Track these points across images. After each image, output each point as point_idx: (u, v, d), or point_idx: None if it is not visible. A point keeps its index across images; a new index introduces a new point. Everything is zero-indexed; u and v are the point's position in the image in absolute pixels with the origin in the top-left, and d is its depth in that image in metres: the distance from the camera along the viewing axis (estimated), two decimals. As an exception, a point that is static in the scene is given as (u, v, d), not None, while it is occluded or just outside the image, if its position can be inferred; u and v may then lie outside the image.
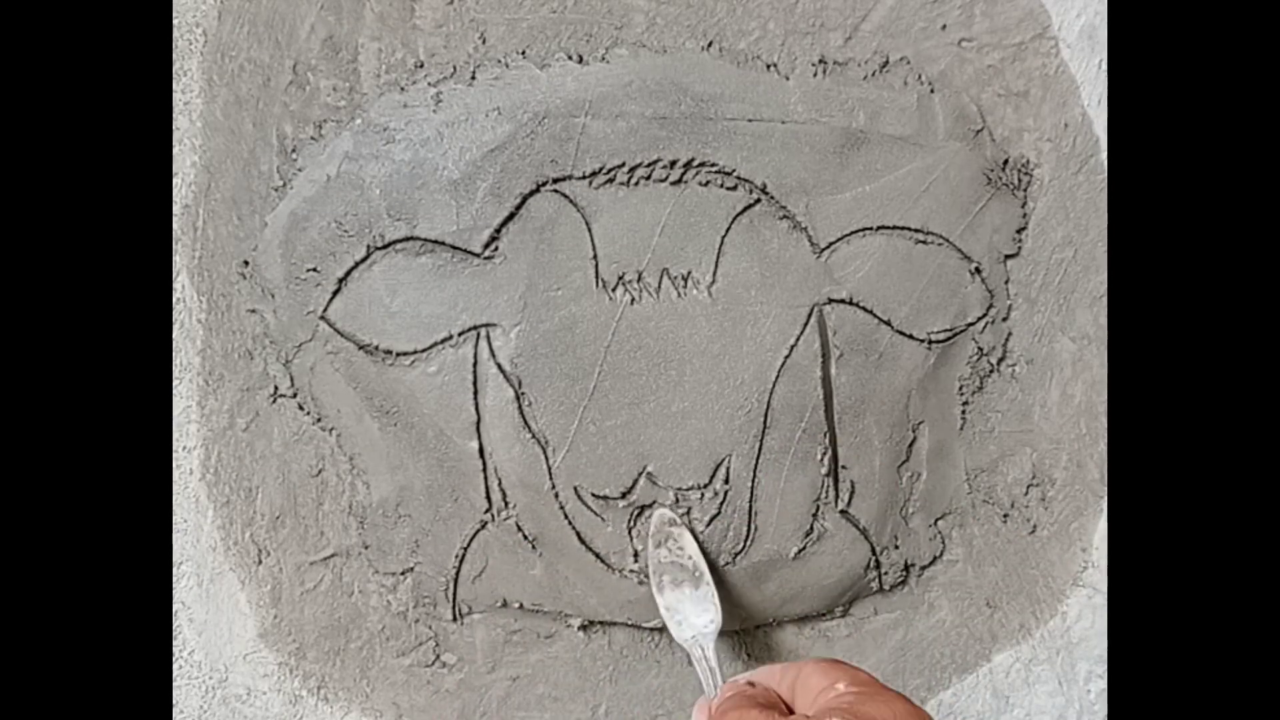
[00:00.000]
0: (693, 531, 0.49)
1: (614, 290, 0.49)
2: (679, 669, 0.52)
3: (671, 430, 0.49)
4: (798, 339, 0.49)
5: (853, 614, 0.53)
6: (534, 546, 0.50)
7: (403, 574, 0.51)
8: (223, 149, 0.49)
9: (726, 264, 0.49)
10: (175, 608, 0.50)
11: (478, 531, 0.50)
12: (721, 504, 0.49)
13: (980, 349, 0.52)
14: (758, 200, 0.49)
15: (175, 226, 0.49)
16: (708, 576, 0.47)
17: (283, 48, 0.49)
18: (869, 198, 0.49)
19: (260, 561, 0.51)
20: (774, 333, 0.49)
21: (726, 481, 0.49)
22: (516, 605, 0.51)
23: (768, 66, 0.49)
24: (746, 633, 0.53)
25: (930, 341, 0.51)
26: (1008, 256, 0.51)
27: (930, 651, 0.53)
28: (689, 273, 0.49)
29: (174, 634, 0.50)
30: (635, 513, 0.50)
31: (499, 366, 0.48)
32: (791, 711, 0.37)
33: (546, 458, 0.49)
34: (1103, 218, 0.52)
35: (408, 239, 0.48)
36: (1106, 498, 0.53)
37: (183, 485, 0.50)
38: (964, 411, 0.52)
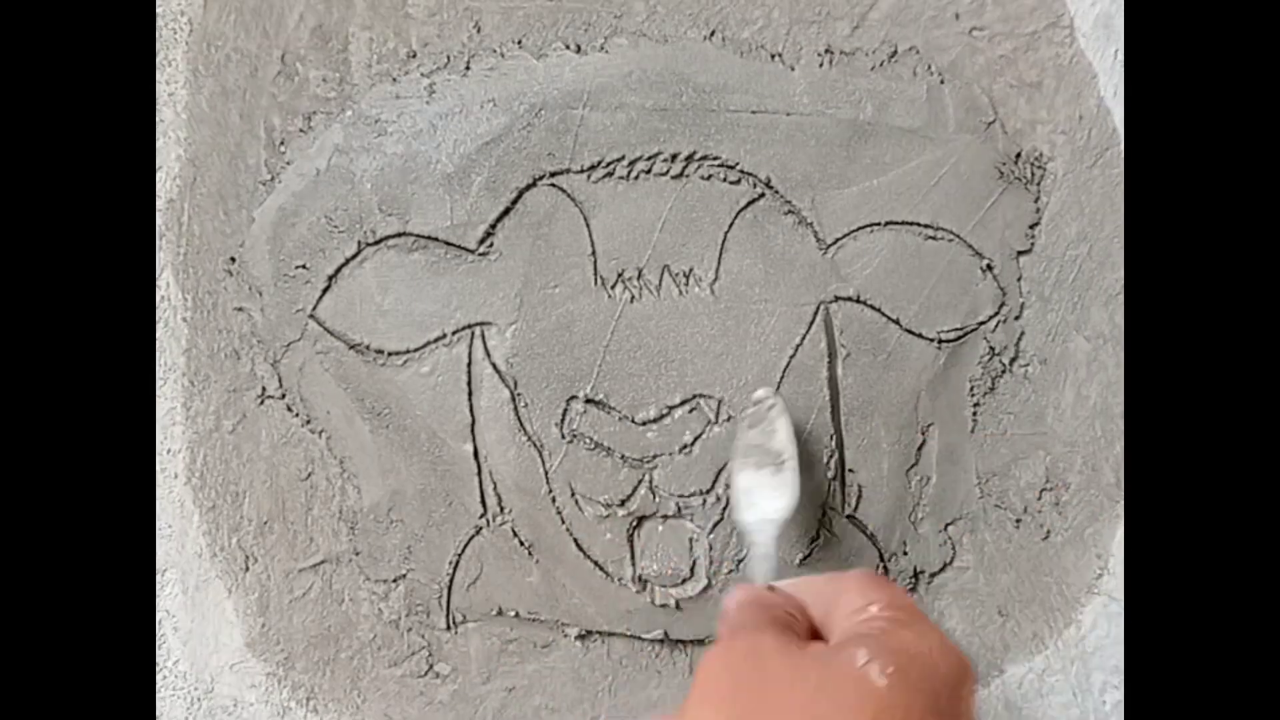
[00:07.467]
0: (789, 416, 0.47)
1: (613, 288, 0.48)
2: (679, 680, 0.51)
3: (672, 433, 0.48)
4: (803, 338, 0.48)
5: (859, 622, 0.52)
6: (530, 553, 0.49)
7: (395, 581, 0.50)
8: (208, 142, 0.48)
9: (729, 261, 0.48)
10: (159, 616, 0.49)
11: (472, 537, 0.49)
12: (724, 510, 0.48)
13: (992, 348, 0.51)
14: (762, 195, 0.48)
15: (159, 222, 0.48)
16: (793, 463, 0.45)
17: (271, 37, 0.48)
18: (877, 192, 0.48)
19: (247, 568, 0.50)
20: (779, 332, 0.48)
21: (729, 487, 0.48)
22: (512, 614, 0.50)
23: (772, 56, 0.48)
24: (750, 642, 0.52)
25: (940, 341, 0.50)
26: (1020, 253, 0.50)
27: (940, 661, 0.53)
28: (691, 270, 0.48)
29: (158, 643, 0.49)
30: (635, 522, 0.48)
31: (494, 366, 0.47)
32: (816, 633, 0.33)
33: (543, 461, 0.48)
34: (1119, 213, 0.50)
35: (400, 235, 0.47)
36: (1123, 502, 0.52)
37: (167, 490, 0.49)
38: (975, 413, 0.51)
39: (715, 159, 0.47)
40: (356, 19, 0.48)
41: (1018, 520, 0.52)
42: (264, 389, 0.49)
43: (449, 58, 0.48)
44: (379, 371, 0.48)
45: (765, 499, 0.45)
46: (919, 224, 0.49)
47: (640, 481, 0.48)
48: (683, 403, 0.48)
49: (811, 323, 0.48)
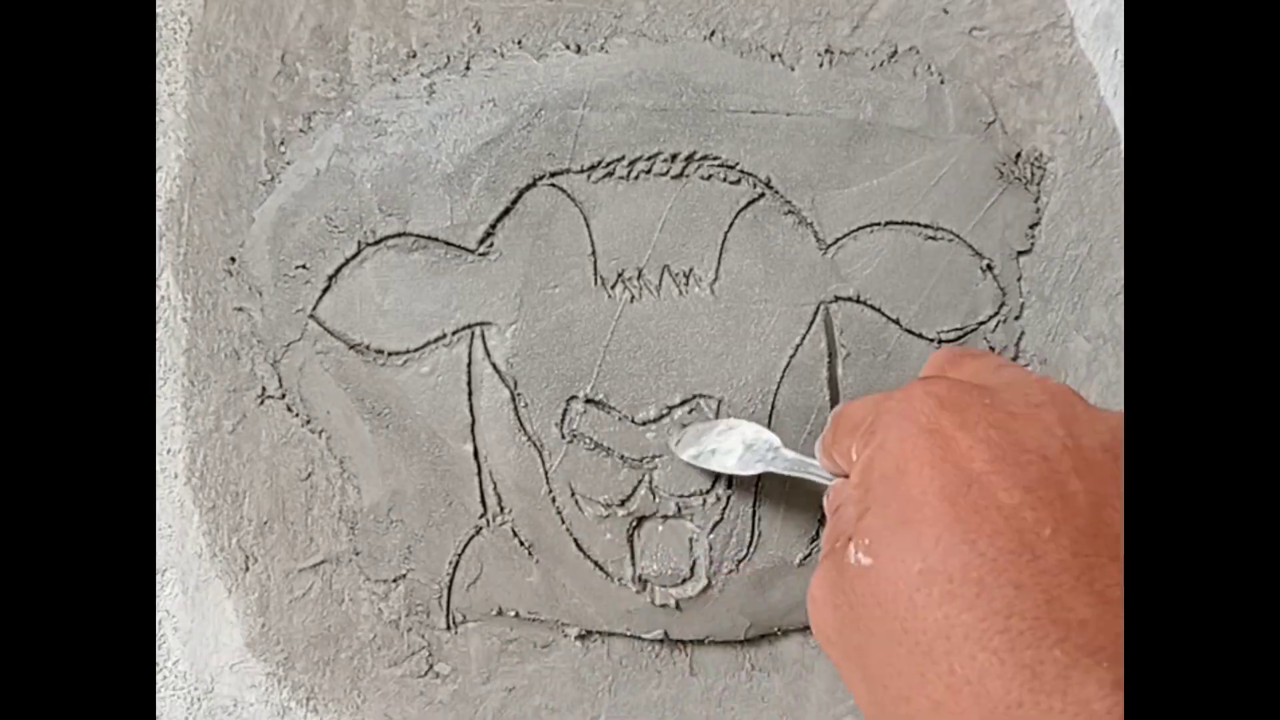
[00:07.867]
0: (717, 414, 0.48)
1: (613, 288, 0.48)
2: (679, 680, 0.51)
3: (672, 433, 0.48)
4: (803, 338, 0.48)
5: (859, 622, 0.52)
6: (530, 553, 0.49)
7: (395, 581, 0.50)
8: (208, 142, 0.48)
9: (729, 261, 0.48)
10: (159, 616, 0.49)
11: (472, 537, 0.49)
12: (724, 510, 0.48)
13: (992, 348, 0.50)
14: (762, 195, 0.48)
15: (159, 222, 0.48)
16: (734, 418, 0.47)
17: (271, 37, 0.48)
18: (877, 192, 0.48)
19: (247, 568, 0.49)
20: (779, 332, 0.48)
21: (729, 487, 0.48)
22: (512, 614, 0.50)
23: (772, 56, 0.48)
24: (750, 642, 0.52)
25: (940, 341, 0.49)
26: (1020, 253, 0.50)
27: (940, 661, 0.52)
28: (691, 270, 0.48)
29: (158, 643, 0.49)
30: (635, 522, 0.48)
31: (494, 367, 0.47)
32: None
33: (543, 461, 0.48)
34: (1119, 213, 0.50)
35: (400, 235, 0.47)
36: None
37: (167, 490, 0.49)
38: (975, 413, 0.51)
39: (715, 159, 0.47)
40: (356, 19, 0.48)
41: (1018, 520, 0.52)
42: (264, 389, 0.49)
43: (449, 58, 0.48)
44: (379, 371, 0.48)
45: (723, 445, 0.45)
46: (919, 224, 0.49)
47: (640, 481, 0.48)
48: (683, 403, 0.48)
49: (811, 323, 0.48)
